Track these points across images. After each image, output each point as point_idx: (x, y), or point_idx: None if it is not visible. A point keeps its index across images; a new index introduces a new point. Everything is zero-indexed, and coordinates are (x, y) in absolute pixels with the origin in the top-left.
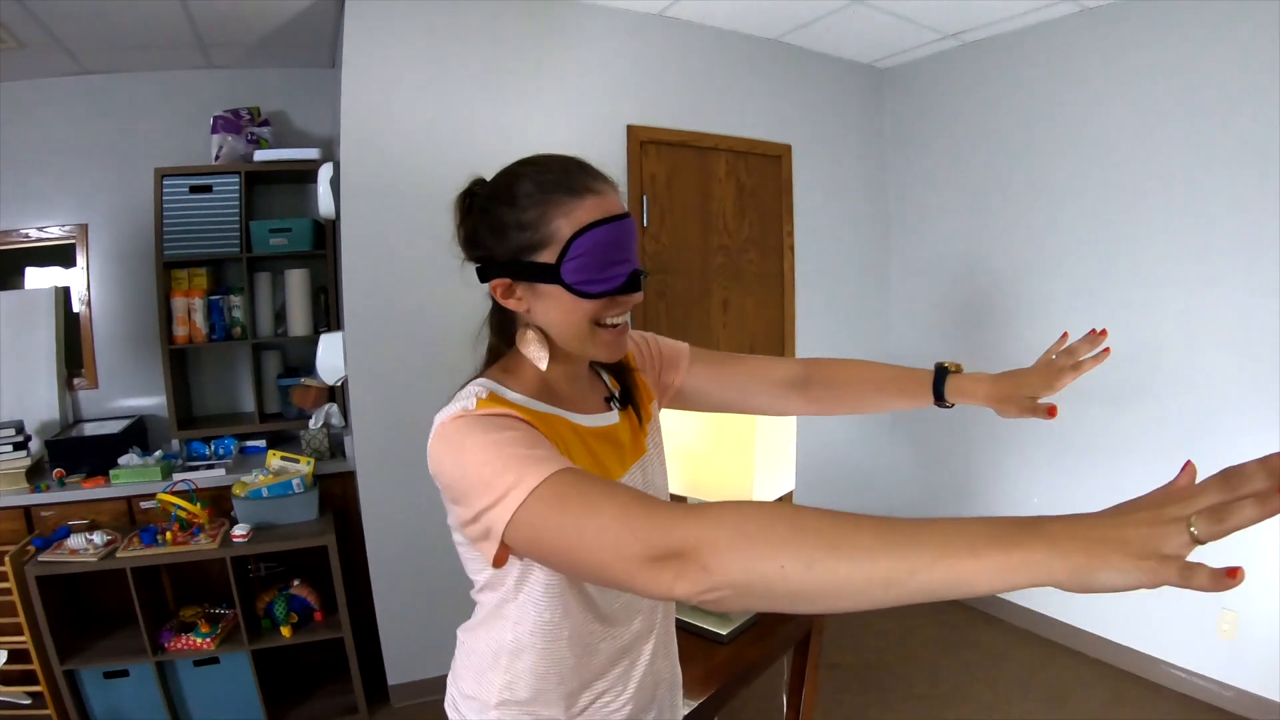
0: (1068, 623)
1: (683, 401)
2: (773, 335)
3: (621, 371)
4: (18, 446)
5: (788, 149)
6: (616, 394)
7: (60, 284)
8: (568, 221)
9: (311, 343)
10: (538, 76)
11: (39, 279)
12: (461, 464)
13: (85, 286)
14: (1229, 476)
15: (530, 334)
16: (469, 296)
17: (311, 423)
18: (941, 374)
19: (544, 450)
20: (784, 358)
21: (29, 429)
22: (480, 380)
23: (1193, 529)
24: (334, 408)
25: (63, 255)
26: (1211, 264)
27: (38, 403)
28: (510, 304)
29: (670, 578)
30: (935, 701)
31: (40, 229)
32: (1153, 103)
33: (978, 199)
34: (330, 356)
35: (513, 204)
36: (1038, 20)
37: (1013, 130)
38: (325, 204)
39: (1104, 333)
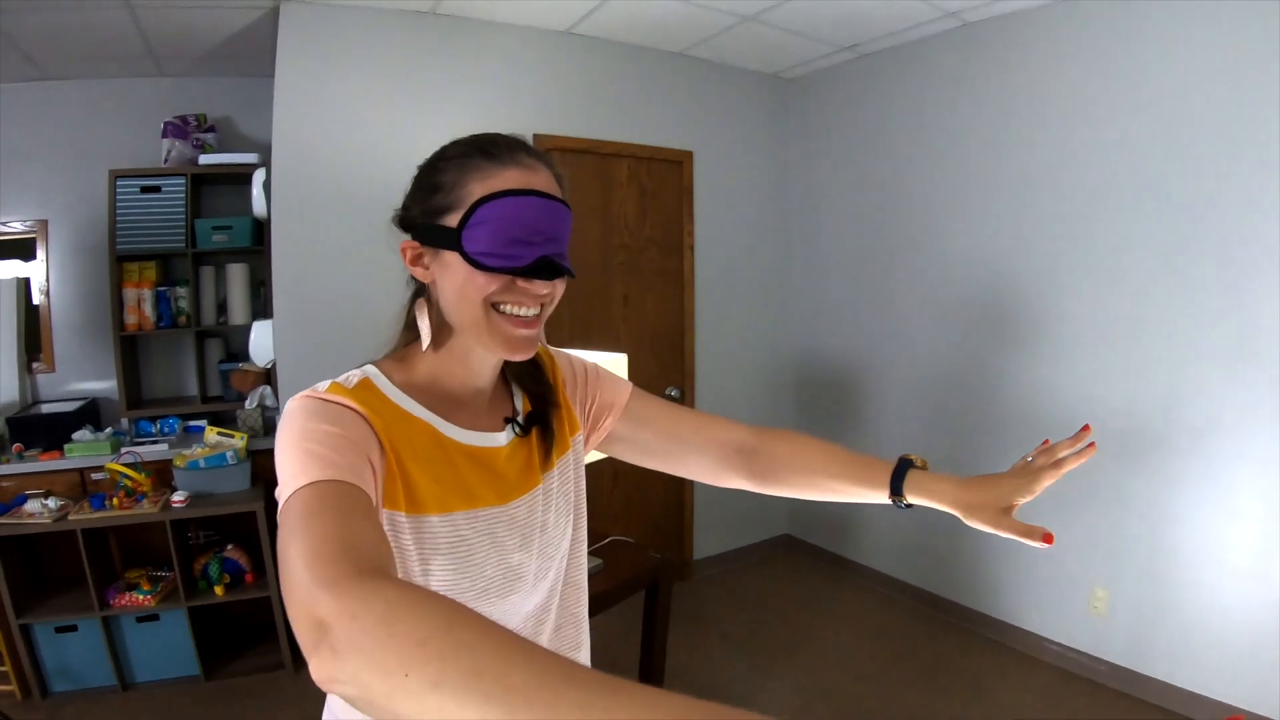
0: (952, 599)
1: (614, 446)
2: (672, 330)
3: (542, 394)
4: None
5: (689, 155)
6: (520, 416)
7: (21, 275)
8: (481, 186)
9: (250, 331)
10: (452, 87)
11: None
12: (280, 445)
13: (44, 278)
14: None
15: (424, 303)
16: (388, 286)
17: (248, 403)
18: (904, 468)
19: (338, 456)
20: (733, 421)
21: None
22: (367, 365)
23: None
24: (268, 389)
25: (23, 249)
26: (1105, 262)
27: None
28: (418, 272)
29: (309, 650)
30: (815, 668)
31: (2, 224)
32: (1033, 109)
33: (874, 201)
34: (262, 341)
35: (437, 165)
36: (923, 34)
37: (906, 136)
38: (259, 205)
39: (1087, 428)
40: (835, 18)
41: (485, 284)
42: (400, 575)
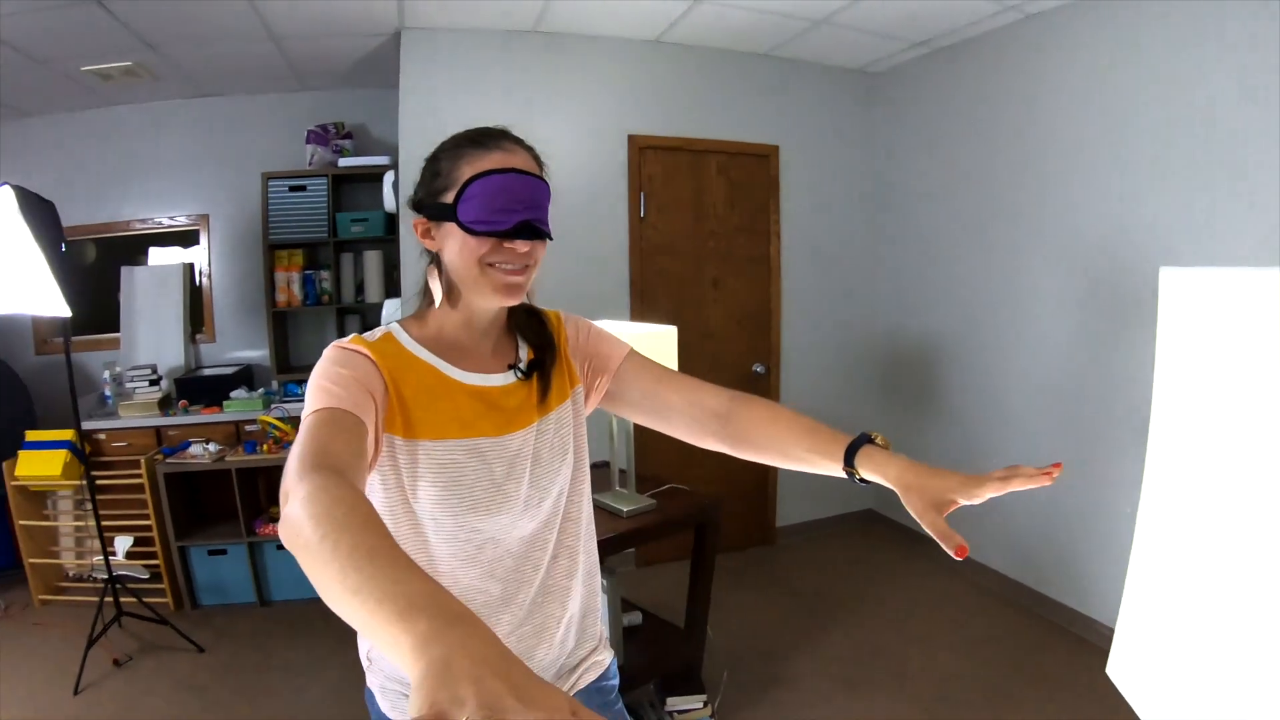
0: (1034, 588)
1: (610, 403)
2: (759, 311)
3: (544, 345)
4: (152, 383)
5: (775, 149)
6: (523, 363)
7: (186, 261)
8: (470, 168)
9: (382, 308)
10: (554, 96)
11: (168, 257)
12: (310, 379)
13: (207, 263)
14: None
15: (434, 269)
16: None
17: None
18: (860, 442)
19: (343, 390)
20: (717, 387)
21: (161, 371)
22: (393, 322)
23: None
24: None
25: (188, 238)
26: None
27: (169, 352)
28: (427, 243)
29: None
30: (870, 627)
31: (170, 218)
32: (1123, 97)
33: (959, 189)
34: (391, 317)
35: (438, 156)
36: (991, 27)
37: (987, 124)
38: (389, 201)
39: (1058, 466)
40: (900, 17)
41: (477, 246)
42: (395, 493)
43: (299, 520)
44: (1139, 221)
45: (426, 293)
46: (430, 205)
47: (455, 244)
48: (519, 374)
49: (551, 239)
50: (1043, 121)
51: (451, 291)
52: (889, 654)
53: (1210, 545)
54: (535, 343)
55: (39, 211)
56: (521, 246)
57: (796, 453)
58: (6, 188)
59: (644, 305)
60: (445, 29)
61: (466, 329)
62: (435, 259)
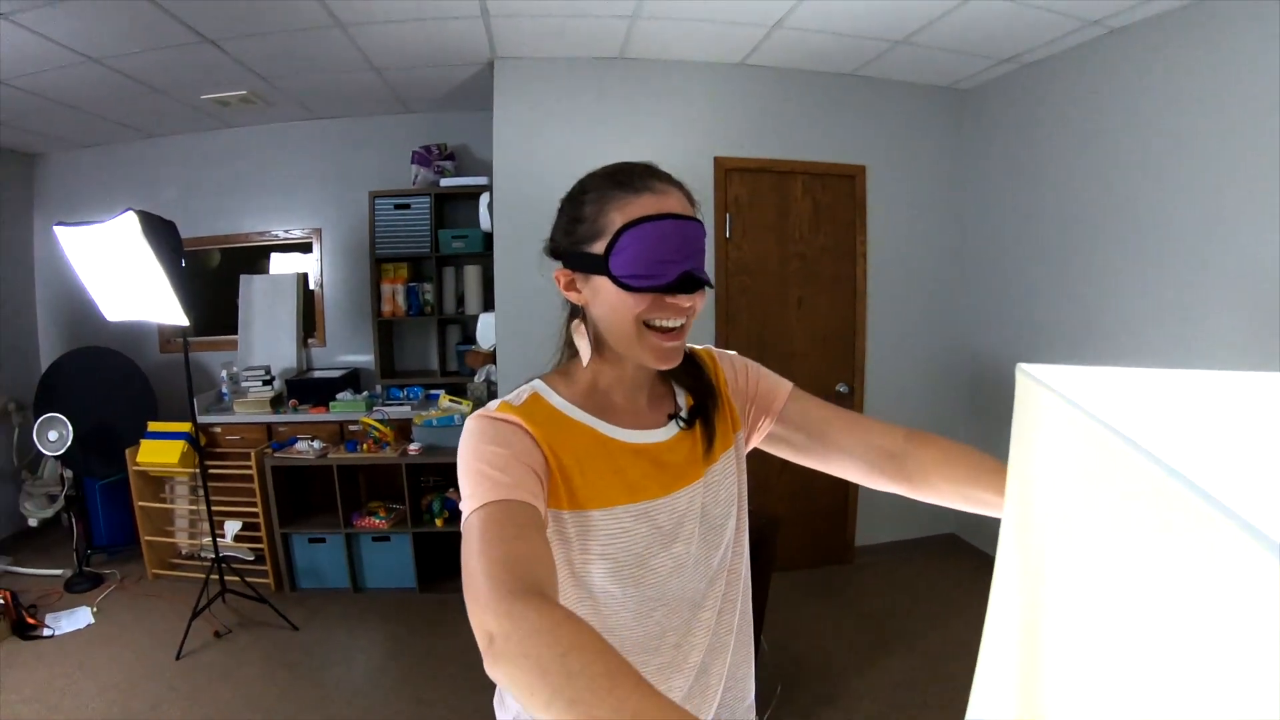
0: None
1: (771, 444)
2: (844, 330)
3: (703, 389)
4: (265, 382)
5: (862, 169)
6: (684, 411)
7: (300, 270)
8: (621, 215)
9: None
10: (639, 120)
11: (285, 265)
12: (460, 461)
13: (319, 272)
14: None
15: (580, 324)
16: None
17: (476, 377)
18: None
19: (506, 476)
20: (888, 424)
21: (274, 372)
22: (536, 380)
23: None
24: (493, 367)
25: (302, 249)
26: None
27: (282, 354)
28: (572, 296)
29: (482, 650)
30: (936, 655)
31: (286, 231)
32: (1239, 112)
33: (1051, 205)
34: (488, 328)
35: (579, 199)
36: (1076, 42)
37: (1080, 140)
38: (484, 221)
39: None
40: (978, 36)
41: (635, 303)
42: (563, 569)
43: (528, 667)
44: (1240, 243)
45: (569, 346)
46: (574, 255)
47: (608, 300)
48: (681, 424)
49: (713, 286)
50: (1136, 137)
51: (597, 344)
52: (950, 683)
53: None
54: (694, 388)
55: (160, 231)
56: (684, 301)
57: (981, 496)
58: (130, 213)
59: (729, 325)
60: (534, 58)
61: (620, 383)
62: (580, 312)
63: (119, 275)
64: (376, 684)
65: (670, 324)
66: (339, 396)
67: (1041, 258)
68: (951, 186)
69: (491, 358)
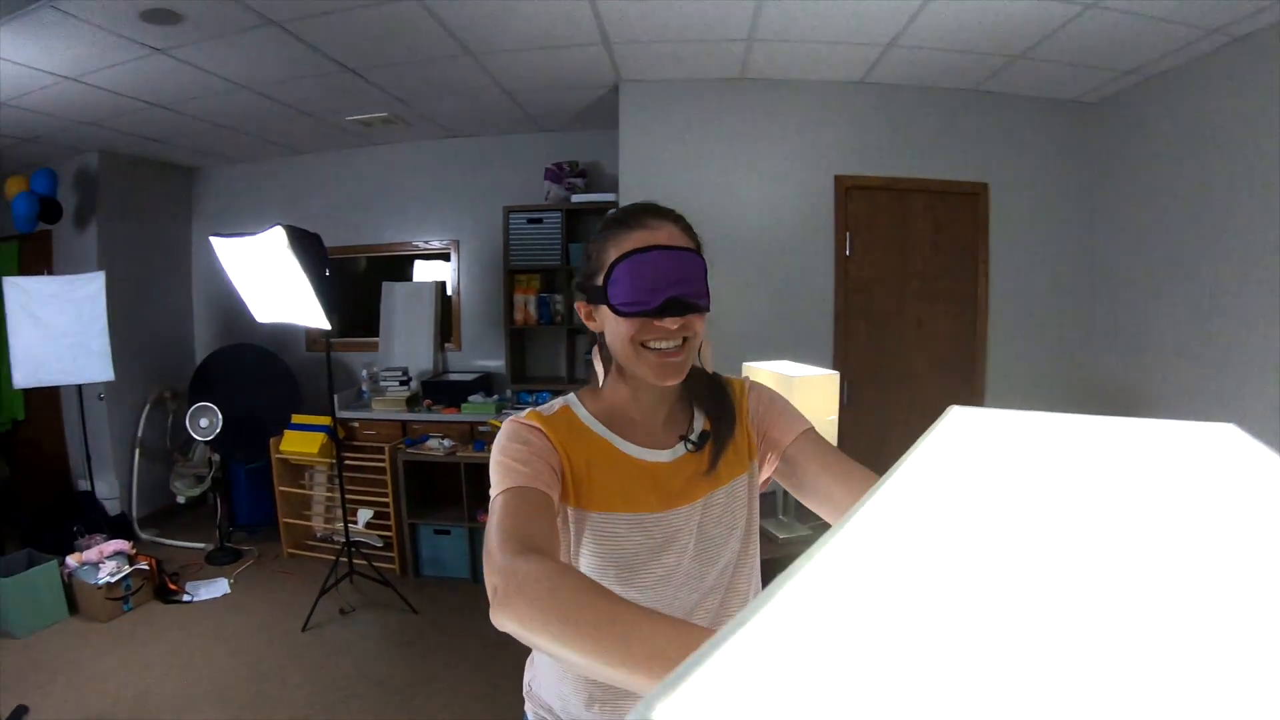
0: None
1: (782, 480)
2: (963, 352)
3: (720, 416)
4: (403, 383)
5: (985, 186)
6: (694, 434)
7: (439, 279)
8: (615, 250)
9: None
10: (761, 140)
11: (425, 274)
12: (491, 456)
13: (456, 281)
14: None
15: (597, 351)
16: (714, 309)
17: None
18: None
19: (525, 467)
20: None
21: (411, 373)
22: (571, 395)
23: None
24: None
25: (441, 259)
26: None
27: (419, 357)
28: (591, 325)
29: (491, 602)
30: None
31: (425, 242)
32: None
33: (1183, 222)
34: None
35: (591, 241)
36: (1199, 52)
37: (1219, 156)
38: None
39: None
40: (1098, 48)
41: (629, 327)
42: (563, 553)
43: (526, 605)
44: None
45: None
46: (587, 288)
47: (611, 325)
48: (689, 446)
49: (707, 310)
50: (1269, 148)
51: (618, 366)
52: None
53: None
54: (713, 413)
55: (306, 243)
56: (671, 324)
57: None
58: (279, 228)
59: (847, 342)
60: (657, 80)
61: (635, 402)
62: (600, 338)
63: (268, 282)
64: (484, 668)
65: (663, 345)
66: (471, 399)
67: (1175, 276)
68: (1078, 204)
69: None
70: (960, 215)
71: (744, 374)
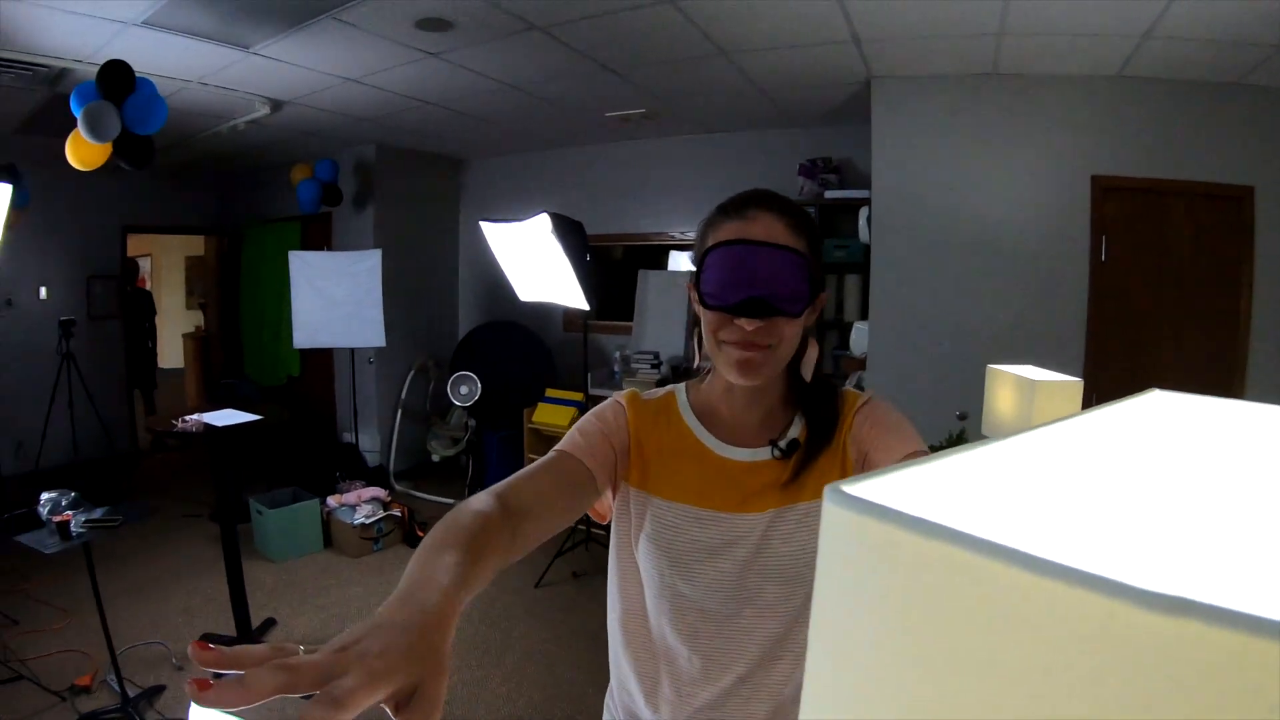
0: None
1: None
2: (1219, 370)
3: (818, 427)
4: (653, 366)
5: (1249, 190)
6: (785, 441)
7: (692, 269)
8: (713, 237)
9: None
10: (1014, 136)
11: (681, 263)
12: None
13: None
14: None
15: (697, 334)
16: (960, 304)
17: (847, 382)
18: None
19: (584, 440)
20: None
21: (662, 358)
22: (682, 383)
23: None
24: (864, 374)
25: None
26: None
27: (671, 343)
28: (698, 309)
29: None
30: None
31: (681, 233)
32: None
33: None
34: (860, 337)
35: (702, 222)
36: None
37: None
38: (863, 233)
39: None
40: None
41: (710, 320)
42: (622, 532)
43: (438, 524)
44: None
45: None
46: (694, 273)
47: (702, 314)
48: (776, 451)
49: (797, 315)
50: None
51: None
52: None
53: None
54: (812, 424)
55: (568, 229)
56: (747, 325)
57: None
58: (544, 215)
59: (1098, 349)
60: (908, 77)
61: (727, 398)
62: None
63: (532, 264)
64: None
65: (737, 340)
66: None
67: None
68: None
69: (862, 364)
70: (1221, 220)
71: (987, 376)
